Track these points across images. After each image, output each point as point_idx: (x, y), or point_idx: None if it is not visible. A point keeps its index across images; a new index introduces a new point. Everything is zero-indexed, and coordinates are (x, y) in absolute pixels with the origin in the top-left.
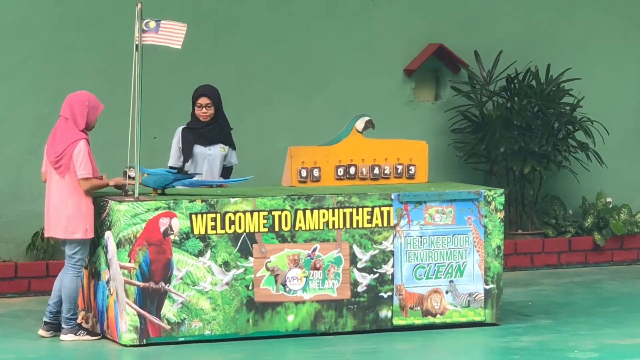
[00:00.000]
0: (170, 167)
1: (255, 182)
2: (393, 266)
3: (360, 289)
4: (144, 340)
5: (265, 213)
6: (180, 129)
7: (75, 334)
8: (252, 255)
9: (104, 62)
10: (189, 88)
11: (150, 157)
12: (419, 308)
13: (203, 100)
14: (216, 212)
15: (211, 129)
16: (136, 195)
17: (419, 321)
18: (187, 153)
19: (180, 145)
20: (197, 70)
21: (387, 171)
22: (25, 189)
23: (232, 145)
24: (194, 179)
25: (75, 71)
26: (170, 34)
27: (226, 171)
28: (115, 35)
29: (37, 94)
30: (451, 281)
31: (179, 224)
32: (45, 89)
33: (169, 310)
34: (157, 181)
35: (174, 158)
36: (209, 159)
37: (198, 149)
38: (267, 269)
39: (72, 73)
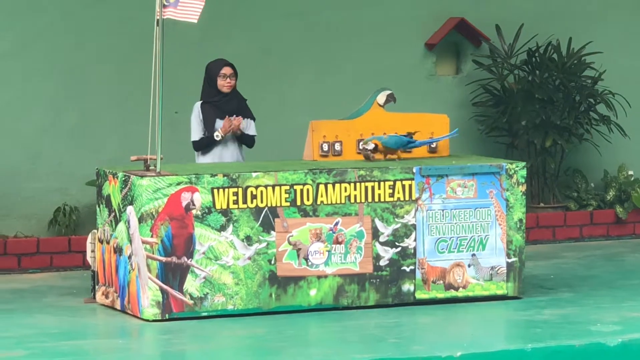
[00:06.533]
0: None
1: (277, 157)
2: (415, 240)
3: (382, 262)
4: (167, 315)
5: (287, 187)
6: (198, 104)
7: None
8: (274, 230)
9: (120, 39)
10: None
11: (172, 132)
12: (441, 282)
13: (227, 70)
14: (238, 187)
15: (229, 101)
16: (158, 170)
17: (441, 295)
18: (210, 127)
19: (201, 118)
20: (217, 46)
21: None
22: (41, 165)
23: (251, 116)
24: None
25: (89, 48)
26: (188, 8)
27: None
28: (132, 11)
29: (51, 70)
30: (473, 255)
31: (200, 198)
32: (59, 66)
33: (191, 285)
34: (397, 142)
35: (198, 133)
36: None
37: (218, 123)
38: (289, 243)
39: (86, 50)
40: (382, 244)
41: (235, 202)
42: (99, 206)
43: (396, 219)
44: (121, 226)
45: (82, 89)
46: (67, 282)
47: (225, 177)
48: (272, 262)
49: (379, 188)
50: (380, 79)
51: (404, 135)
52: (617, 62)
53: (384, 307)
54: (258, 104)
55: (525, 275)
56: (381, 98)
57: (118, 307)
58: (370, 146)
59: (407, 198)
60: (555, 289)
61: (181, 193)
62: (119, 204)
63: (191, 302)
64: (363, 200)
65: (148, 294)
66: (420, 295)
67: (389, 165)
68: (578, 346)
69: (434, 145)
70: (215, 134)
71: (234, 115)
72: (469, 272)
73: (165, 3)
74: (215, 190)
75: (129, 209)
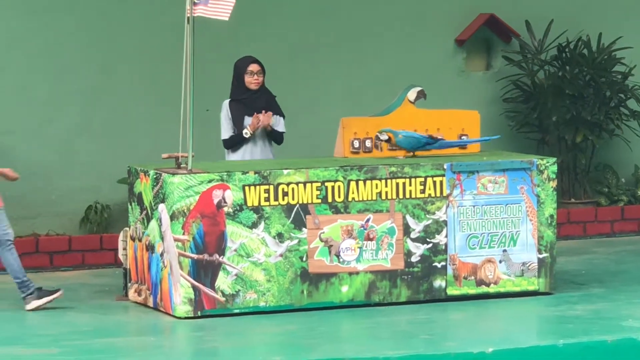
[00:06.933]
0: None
1: (308, 154)
2: (446, 236)
3: (413, 259)
4: (199, 312)
5: (318, 184)
6: (227, 102)
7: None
8: (305, 227)
9: (151, 37)
10: None
11: (203, 130)
12: (472, 278)
13: (255, 67)
14: (269, 184)
15: (257, 98)
16: (189, 167)
17: (472, 291)
18: (238, 125)
19: (230, 116)
20: (247, 43)
21: None
22: (76, 163)
23: (280, 113)
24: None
25: (122, 46)
26: (219, 6)
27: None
28: (164, 9)
29: (86, 68)
30: (504, 250)
31: (232, 195)
32: (93, 63)
33: (223, 282)
34: (411, 143)
35: (227, 131)
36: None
37: (247, 120)
38: (321, 240)
39: (120, 47)
40: (413, 240)
41: (267, 199)
42: (130, 204)
43: (427, 215)
44: (153, 224)
45: (113, 87)
46: (99, 280)
47: (257, 175)
48: (304, 259)
49: (410, 184)
50: (410, 76)
51: (427, 137)
52: None
53: (416, 303)
54: (289, 102)
55: (556, 271)
56: (412, 94)
57: (150, 304)
58: (384, 137)
59: (438, 194)
60: (586, 285)
61: (212, 190)
62: (150, 201)
63: (223, 299)
64: (394, 196)
65: (180, 291)
66: (451, 291)
67: (420, 162)
68: (610, 342)
69: None
70: (245, 131)
71: (263, 112)
72: (500, 268)
73: (196, 1)
74: (247, 188)
75: (161, 206)
